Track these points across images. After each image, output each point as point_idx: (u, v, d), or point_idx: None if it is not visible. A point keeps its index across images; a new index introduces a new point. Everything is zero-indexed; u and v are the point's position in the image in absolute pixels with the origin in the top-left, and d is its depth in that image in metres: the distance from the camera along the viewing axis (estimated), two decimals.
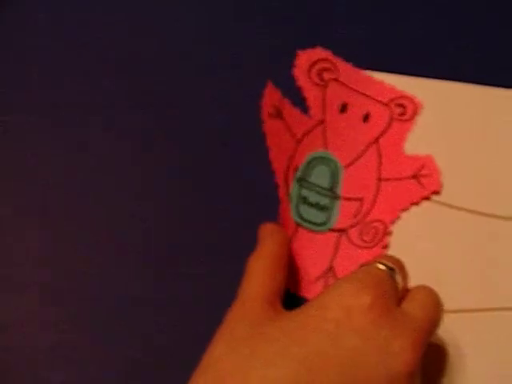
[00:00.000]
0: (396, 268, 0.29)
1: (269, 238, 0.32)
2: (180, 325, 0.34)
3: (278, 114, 0.36)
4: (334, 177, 0.36)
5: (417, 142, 0.37)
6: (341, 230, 0.35)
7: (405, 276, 0.29)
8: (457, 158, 0.37)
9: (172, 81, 0.39)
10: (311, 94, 0.37)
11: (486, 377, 0.33)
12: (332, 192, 0.36)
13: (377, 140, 0.37)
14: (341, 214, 0.36)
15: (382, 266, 0.28)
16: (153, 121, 0.38)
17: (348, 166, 0.36)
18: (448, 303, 0.31)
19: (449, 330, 0.33)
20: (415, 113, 0.37)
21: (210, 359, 0.27)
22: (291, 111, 0.37)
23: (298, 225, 0.35)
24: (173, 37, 0.39)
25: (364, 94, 0.37)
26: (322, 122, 0.37)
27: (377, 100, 0.37)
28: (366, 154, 0.36)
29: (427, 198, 0.35)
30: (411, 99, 0.37)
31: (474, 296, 0.34)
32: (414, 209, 0.36)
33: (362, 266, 0.30)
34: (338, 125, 0.37)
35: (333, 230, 0.35)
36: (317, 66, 0.37)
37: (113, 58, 0.39)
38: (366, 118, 0.37)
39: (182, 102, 0.38)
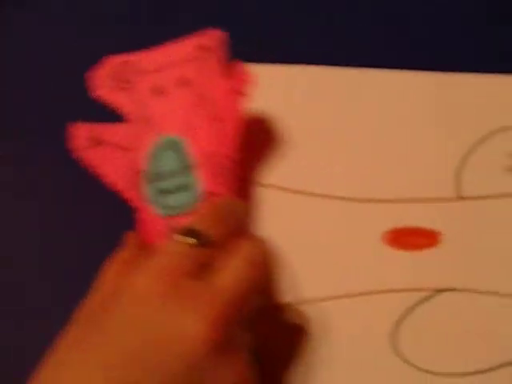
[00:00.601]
0: (205, 233, 0.27)
1: (124, 245, 0.31)
2: None
3: (97, 142, 0.36)
4: (178, 152, 0.35)
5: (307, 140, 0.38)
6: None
7: (219, 241, 0.28)
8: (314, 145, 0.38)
9: None
10: (120, 101, 0.37)
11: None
12: (185, 166, 0.34)
13: (202, 96, 0.35)
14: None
15: (181, 238, 0.27)
16: None
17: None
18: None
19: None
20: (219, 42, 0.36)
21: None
22: (108, 130, 0.36)
23: (169, 216, 0.34)
24: None
25: (168, 66, 0.36)
26: (142, 117, 0.36)
27: (180, 62, 0.36)
28: (195, 112, 0.35)
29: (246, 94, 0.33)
30: (208, 36, 0.36)
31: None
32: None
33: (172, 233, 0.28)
34: (158, 107, 0.36)
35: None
36: (116, 76, 0.37)
37: None
38: (181, 83, 0.36)
39: None
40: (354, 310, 0.35)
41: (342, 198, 0.38)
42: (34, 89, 0.42)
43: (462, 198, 0.38)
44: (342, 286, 0.36)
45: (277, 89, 0.40)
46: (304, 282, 0.36)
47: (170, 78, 0.37)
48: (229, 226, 0.30)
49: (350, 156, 0.39)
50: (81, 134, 0.37)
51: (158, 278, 0.26)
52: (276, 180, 0.37)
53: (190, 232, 0.28)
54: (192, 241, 0.27)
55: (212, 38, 0.36)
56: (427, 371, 0.34)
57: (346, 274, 0.36)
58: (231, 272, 0.27)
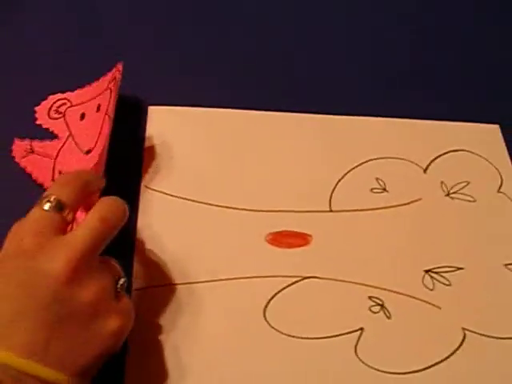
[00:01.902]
0: (61, 200, 0.37)
1: None
2: None
3: (32, 152, 0.49)
4: None
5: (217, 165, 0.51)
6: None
7: (72, 204, 0.37)
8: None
9: None
10: (55, 125, 0.51)
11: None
12: None
13: (106, 112, 0.48)
14: None
15: (44, 206, 0.36)
16: None
17: (95, 145, 0.48)
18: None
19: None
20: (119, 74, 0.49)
21: None
22: (41, 145, 0.50)
23: None
24: None
25: (94, 98, 0.51)
26: (70, 135, 0.50)
27: (101, 93, 0.50)
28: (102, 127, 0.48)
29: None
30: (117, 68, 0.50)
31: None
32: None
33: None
34: (82, 128, 0.50)
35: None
36: (53, 107, 0.53)
37: None
38: (98, 108, 0.50)
39: None
40: (238, 289, 0.45)
41: (235, 208, 0.49)
42: None
43: (331, 211, 0.50)
44: (228, 271, 0.46)
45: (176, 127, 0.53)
46: (196, 266, 0.46)
47: (91, 106, 0.51)
48: (80, 190, 0.39)
49: (249, 177, 0.51)
50: (20, 147, 0.50)
51: (24, 242, 0.35)
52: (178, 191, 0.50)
53: (44, 199, 0.37)
54: (47, 206, 0.36)
55: (118, 70, 0.50)
56: (292, 336, 0.44)
57: (234, 262, 0.47)
58: (83, 225, 0.36)
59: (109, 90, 0.50)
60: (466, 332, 0.45)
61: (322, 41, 0.62)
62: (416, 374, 0.43)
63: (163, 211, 0.48)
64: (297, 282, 0.46)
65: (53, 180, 0.47)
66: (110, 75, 0.51)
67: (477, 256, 0.49)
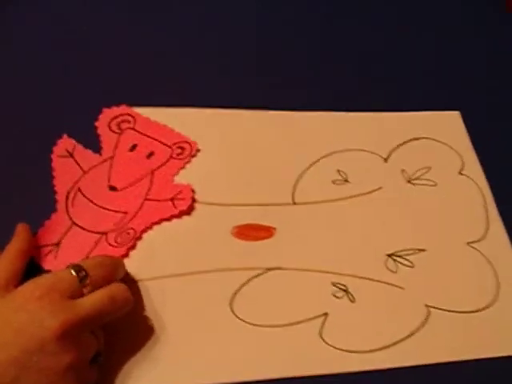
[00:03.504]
0: (88, 272, 0.39)
1: (15, 236, 0.44)
2: None
3: (70, 155, 0.50)
4: None
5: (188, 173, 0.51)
6: (102, 233, 0.47)
7: (96, 280, 0.40)
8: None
9: None
10: (106, 138, 0.51)
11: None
12: None
13: (153, 172, 0.50)
14: (106, 221, 0.47)
15: (71, 270, 0.39)
16: None
17: (123, 188, 0.49)
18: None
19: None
20: (191, 154, 0.51)
21: None
22: (82, 152, 0.50)
23: (74, 224, 0.47)
24: None
25: (153, 138, 0.51)
26: (111, 158, 0.50)
27: (162, 142, 0.51)
28: (141, 181, 0.49)
29: (177, 216, 0.49)
30: (191, 144, 0.52)
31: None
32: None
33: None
34: (125, 159, 0.50)
35: (96, 233, 0.47)
36: (118, 119, 0.52)
37: None
38: (150, 155, 0.51)
39: None
40: (204, 283, 0.47)
41: (201, 202, 0.51)
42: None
43: (295, 203, 0.52)
44: (194, 264, 0.48)
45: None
46: (163, 261, 0.48)
47: (147, 149, 0.52)
48: (106, 273, 0.42)
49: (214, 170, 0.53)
50: (64, 144, 0.51)
51: (40, 289, 0.38)
52: None
53: (76, 267, 0.40)
54: (74, 273, 0.39)
55: (190, 146, 0.52)
56: (258, 325, 0.45)
57: (200, 256, 0.48)
58: (91, 297, 0.40)
59: (169, 154, 0.51)
60: (430, 309, 0.46)
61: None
62: (382, 350, 0.44)
63: None
64: (262, 273, 0.47)
65: (67, 195, 0.49)
66: (177, 137, 0.53)
67: (439, 237, 0.50)
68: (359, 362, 0.44)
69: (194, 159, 0.53)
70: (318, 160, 0.54)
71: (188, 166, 0.52)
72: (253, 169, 0.53)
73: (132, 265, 0.46)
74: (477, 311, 0.47)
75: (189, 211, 0.49)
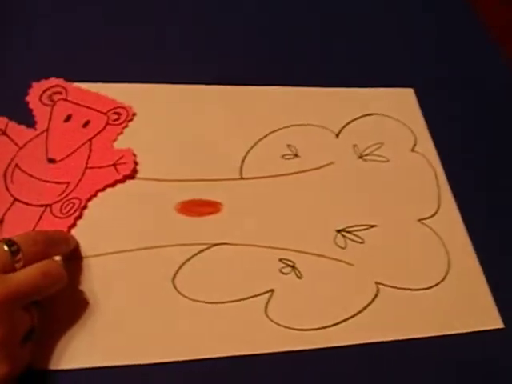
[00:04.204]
0: (21, 247, 0.38)
1: None
2: None
3: (3, 133, 0.48)
4: None
5: (127, 138, 0.50)
6: (46, 205, 0.45)
7: (29, 255, 0.38)
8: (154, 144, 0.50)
9: None
10: (38, 112, 0.49)
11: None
12: None
13: (91, 140, 0.48)
14: (48, 194, 0.46)
15: (3, 245, 0.37)
16: None
17: (62, 159, 0.47)
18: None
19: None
20: (127, 118, 0.50)
21: None
22: (15, 128, 0.49)
23: (15, 200, 0.45)
24: None
25: (87, 107, 0.50)
26: (46, 131, 0.48)
27: (97, 110, 0.50)
28: (79, 150, 0.48)
29: (121, 181, 0.47)
30: (126, 109, 0.50)
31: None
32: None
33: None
34: (60, 131, 0.49)
35: (40, 206, 0.45)
36: (48, 91, 0.50)
37: None
38: (86, 124, 0.49)
39: None
40: (146, 259, 0.45)
41: (144, 179, 0.49)
42: None
43: (242, 178, 0.50)
44: (137, 241, 0.46)
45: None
46: (106, 238, 0.46)
47: (82, 118, 0.50)
48: (40, 248, 0.39)
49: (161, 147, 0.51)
50: None
51: None
52: None
53: (8, 241, 0.38)
54: (6, 247, 0.38)
55: (126, 111, 0.51)
56: (201, 301, 0.43)
57: (143, 232, 0.46)
58: (23, 272, 0.38)
59: (105, 121, 0.50)
60: (380, 286, 0.45)
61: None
62: (329, 328, 0.43)
63: None
64: (206, 249, 0.46)
65: (5, 173, 0.47)
66: (111, 103, 0.51)
67: (391, 213, 0.49)
68: (304, 341, 0.42)
69: (137, 133, 0.51)
70: (267, 135, 0.52)
71: (132, 140, 0.50)
72: (199, 144, 0.51)
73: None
74: (427, 288, 0.46)
75: (132, 175, 0.48)
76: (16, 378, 0.37)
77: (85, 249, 0.45)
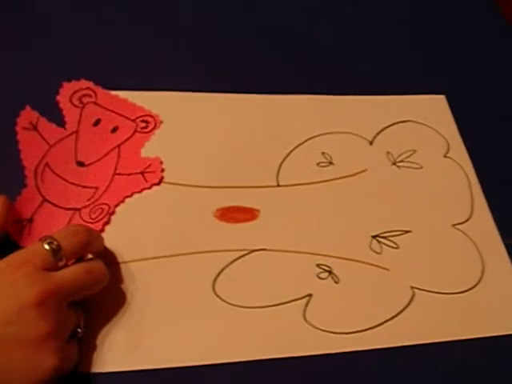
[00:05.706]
0: (60, 243, 0.39)
1: None
2: None
3: (34, 128, 0.49)
4: None
5: (154, 147, 0.51)
6: (75, 209, 0.46)
7: (69, 250, 0.39)
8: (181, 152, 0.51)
9: None
10: (68, 112, 0.50)
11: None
12: None
13: (119, 146, 0.49)
14: (77, 197, 0.47)
15: (43, 243, 0.38)
16: None
17: (91, 164, 0.48)
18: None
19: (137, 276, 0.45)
20: (155, 127, 0.51)
21: None
22: (45, 125, 0.49)
23: (44, 200, 0.47)
24: None
25: (116, 113, 0.51)
26: (75, 132, 0.50)
27: (125, 117, 0.51)
28: (107, 155, 0.49)
29: (148, 189, 0.48)
30: (154, 117, 0.51)
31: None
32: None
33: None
34: (89, 134, 0.50)
35: (69, 209, 0.46)
36: (79, 93, 0.51)
37: None
38: (115, 129, 0.50)
39: None
40: (187, 264, 0.46)
41: (184, 185, 0.50)
42: None
43: (279, 185, 0.51)
44: (177, 247, 0.47)
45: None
46: (145, 244, 0.47)
47: (111, 123, 0.51)
48: (80, 241, 0.41)
49: (201, 154, 0.52)
50: (27, 116, 0.50)
51: (13, 265, 0.38)
52: None
53: (48, 238, 0.39)
54: (47, 245, 0.39)
55: (154, 120, 0.52)
56: (239, 306, 0.45)
57: (183, 238, 0.47)
58: (68, 269, 0.39)
59: (133, 128, 0.51)
60: (415, 290, 0.46)
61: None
62: (366, 332, 0.44)
63: None
64: (245, 255, 0.47)
65: (36, 170, 0.48)
66: (140, 111, 0.52)
67: (425, 219, 0.50)
68: (342, 344, 0.43)
69: (175, 141, 0.52)
70: (302, 143, 0.53)
71: (171, 147, 0.52)
72: (237, 151, 0.52)
73: (111, 247, 0.46)
74: (461, 292, 0.47)
75: (159, 184, 0.49)
76: (59, 379, 0.38)
77: (123, 254, 0.46)
